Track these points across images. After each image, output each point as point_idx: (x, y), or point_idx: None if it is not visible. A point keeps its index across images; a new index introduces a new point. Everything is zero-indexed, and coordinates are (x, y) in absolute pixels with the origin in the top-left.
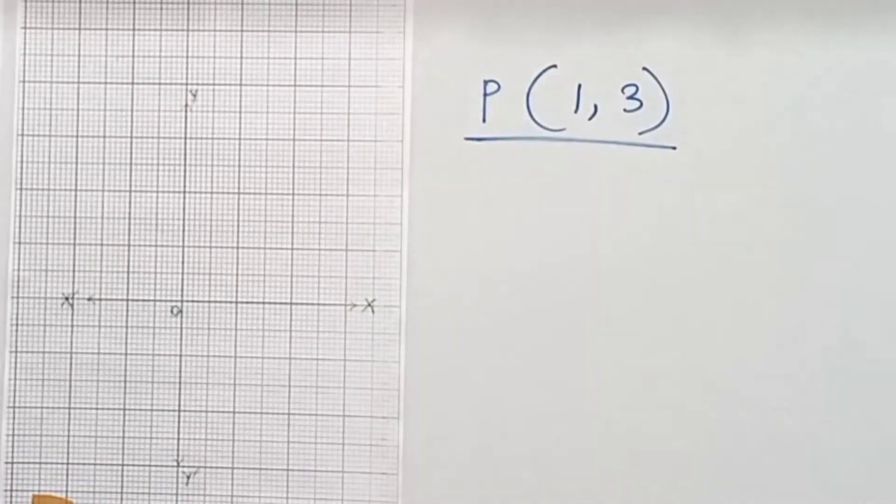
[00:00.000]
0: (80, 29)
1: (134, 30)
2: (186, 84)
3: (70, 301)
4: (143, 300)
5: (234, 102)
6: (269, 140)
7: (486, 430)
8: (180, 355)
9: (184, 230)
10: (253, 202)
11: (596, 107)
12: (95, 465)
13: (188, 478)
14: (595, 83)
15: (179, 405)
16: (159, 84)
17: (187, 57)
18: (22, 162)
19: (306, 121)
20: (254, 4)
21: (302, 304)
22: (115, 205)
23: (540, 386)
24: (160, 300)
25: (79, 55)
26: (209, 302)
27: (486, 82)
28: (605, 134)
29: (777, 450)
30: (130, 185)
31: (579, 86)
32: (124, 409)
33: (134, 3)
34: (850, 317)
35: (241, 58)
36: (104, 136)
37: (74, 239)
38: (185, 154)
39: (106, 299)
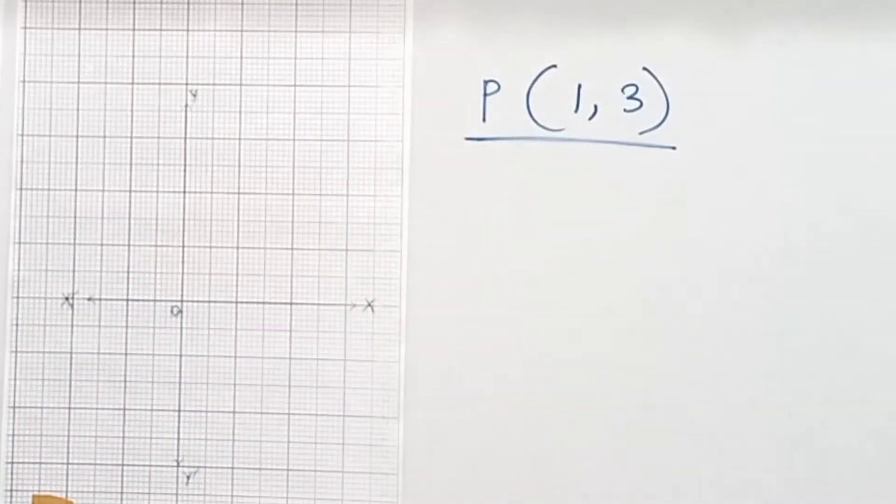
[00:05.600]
0: (80, 29)
1: (134, 30)
2: (186, 84)
3: (70, 301)
4: (143, 300)
5: (234, 102)
6: (269, 140)
7: (486, 430)
8: (180, 355)
9: (184, 230)
10: (253, 202)
11: (596, 107)
12: (95, 465)
13: (188, 478)
14: (595, 83)
15: (179, 405)
16: (159, 84)
17: (187, 57)
18: (22, 162)
19: (306, 121)
20: (254, 4)
21: (302, 304)
22: (115, 205)
23: (540, 386)
24: (160, 300)
25: (79, 55)
26: (209, 302)
27: (486, 82)
28: (605, 134)
29: (777, 450)
30: (130, 185)
31: (579, 86)
32: (124, 409)
33: (134, 3)
34: (850, 316)
35: (241, 58)
36: (104, 136)
37: (74, 239)
38: (185, 154)
39: (106, 299)
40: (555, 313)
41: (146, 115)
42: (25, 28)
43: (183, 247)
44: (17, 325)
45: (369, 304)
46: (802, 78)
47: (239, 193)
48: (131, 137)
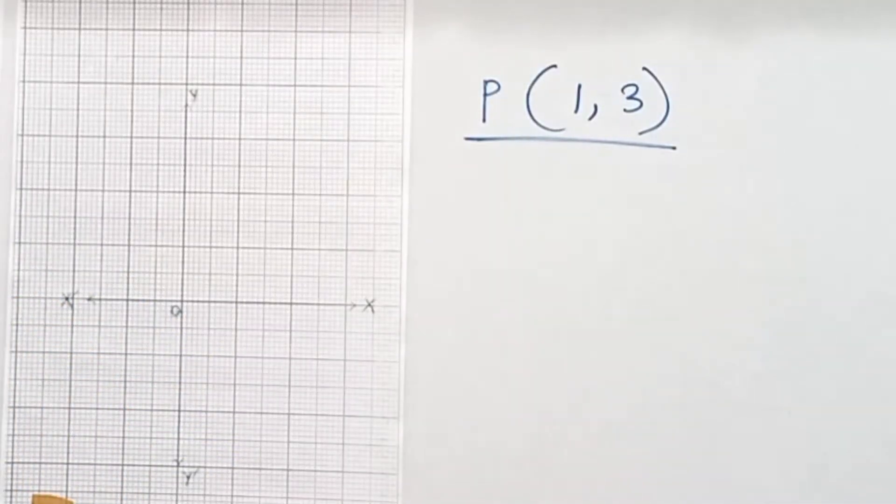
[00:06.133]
0: (80, 29)
1: (134, 30)
2: (186, 84)
3: (70, 301)
4: (143, 300)
5: (234, 102)
6: (269, 140)
7: (485, 430)
8: (180, 355)
9: (184, 230)
10: (253, 202)
11: (596, 107)
12: (95, 465)
13: (188, 478)
14: (595, 83)
15: (179, 405)
16: (159, 84)
17: (187, 57)
18: (22, 162)
19: (306, 121)
20: (254, 4)
21: (302, 304)
22: (115, 205)
23: (540, 386)
24: (160, 300)
25: (79, 55)
26: (209, 302)
27: (486, 82)
28: (605, 134)
29: (777, 450)
30: (130, 185)
31: (579, 86)
32: (124, 409)
33: (134, 3)
34: (850, 316)
35: (241, 58)
36: (104, 136)
37: (74, 239)
38: (185, 154)
39: (106, 299)
40: (554, 313)
41: (146, 115)
42: (25, 28)
43: (183, 247)
44: (17, 325)
45: (369, 304)
46: (802, 78)
47: (239, 193)
48: (131, 137)
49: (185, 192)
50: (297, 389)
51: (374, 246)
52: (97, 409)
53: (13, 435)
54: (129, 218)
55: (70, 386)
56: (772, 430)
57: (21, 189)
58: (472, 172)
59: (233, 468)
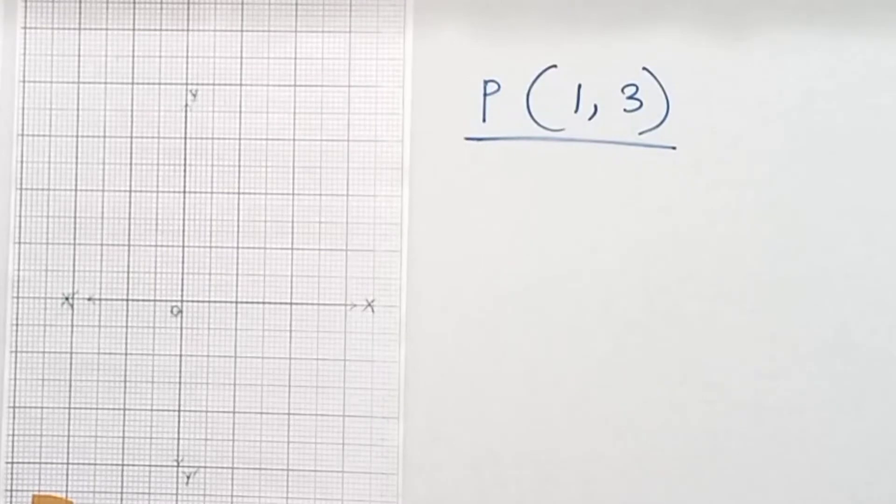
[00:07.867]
0: (80, 29)
1: (134, 30)
2: (186, 84)
3: (70, 301)
4: (143, 300)
5: (234, 102)
6: (269, 140)
7: (486, 430)
8: (180, 355)
9: (184, 230)
10: (253, 202)
11: (596, 107)
12: (95, 465)
13: (188, 478)
14: (595, 83)
15: (179, 405)
16: (159, 84)
17: (187, 57)
18: (22, 162)
19: (306, 121)
20: (254, 4)
21: (302, 304)
22: (115, 205)
23: (540, 386)
24: (160, 300)
25: (79, 55)
26: (209, 302)
27: (486, 82)
28: (605, 134)
29: (777, 450)
30: (130, 185)
31: (579, 86)
32: (124, 409)
33: (134, 3)
34: (849, 316)
35: (241, 58)
36: (104, 136)
37: (74, 239)
38: (185, 154)
39: (106, 299)
40: (555, 313)
41: (146, 115)
42: (25, 28)
43: (183, 247)
44: (17, 325)
45: (369, 304)
46: (802, 78)
47: (239, 193)
48: (131, 137)
49: (185, 192)
50: (297, 389)
51: (374, 246)
52: (97, 409)
53: (13, 435)
54: (129, 218)
55: (70, 386)
56: (772, 430)
57: (21, 189)
58: (472, 172)
59: (233, 468)
